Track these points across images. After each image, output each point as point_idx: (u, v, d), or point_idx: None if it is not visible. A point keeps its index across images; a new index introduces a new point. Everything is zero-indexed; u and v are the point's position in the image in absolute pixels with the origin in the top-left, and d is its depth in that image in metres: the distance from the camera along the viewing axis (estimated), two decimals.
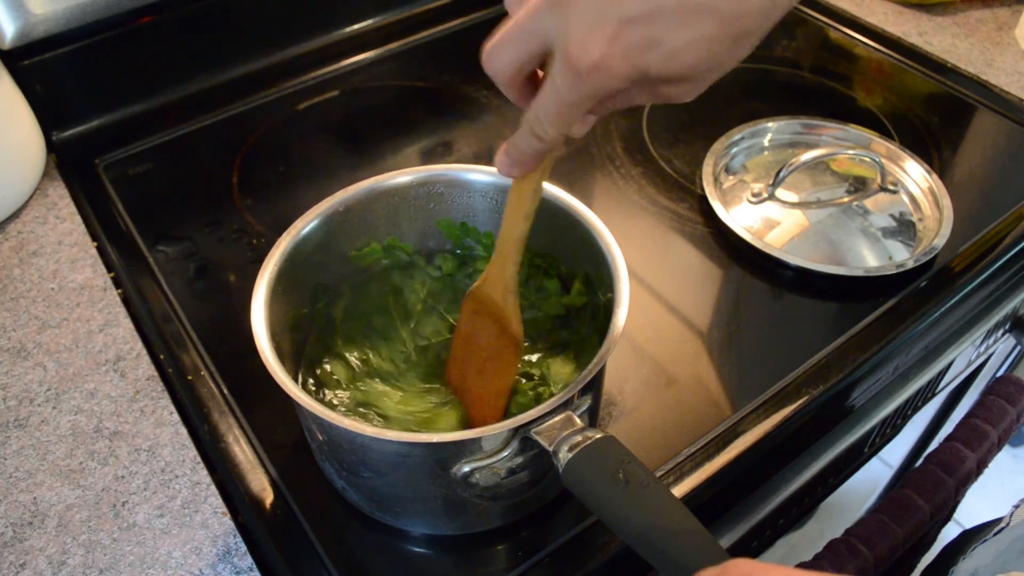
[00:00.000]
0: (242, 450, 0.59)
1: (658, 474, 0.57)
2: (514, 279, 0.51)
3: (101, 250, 0.74)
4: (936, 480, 0.67)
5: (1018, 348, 0.96)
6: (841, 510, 0.99)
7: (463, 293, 0.64)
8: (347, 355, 0.59)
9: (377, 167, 0.82)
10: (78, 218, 0.77)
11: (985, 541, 0.59)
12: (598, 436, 0.44)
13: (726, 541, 0.63)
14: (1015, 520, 0.59)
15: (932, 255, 0.70)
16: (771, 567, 0.36)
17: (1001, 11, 1.04)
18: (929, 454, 0.71)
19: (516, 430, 0.45)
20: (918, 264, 0.69)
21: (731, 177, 0.80)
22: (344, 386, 0.58)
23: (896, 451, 1.13)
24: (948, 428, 0.93)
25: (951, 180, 0.79)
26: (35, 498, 0.57)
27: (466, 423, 0.56)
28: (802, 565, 0.62)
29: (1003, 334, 0.87)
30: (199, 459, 0.59)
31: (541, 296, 0.61)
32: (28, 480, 0.58)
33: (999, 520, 0.65)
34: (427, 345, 0.61)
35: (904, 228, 0.74)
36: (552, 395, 0.52)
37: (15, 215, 0.77)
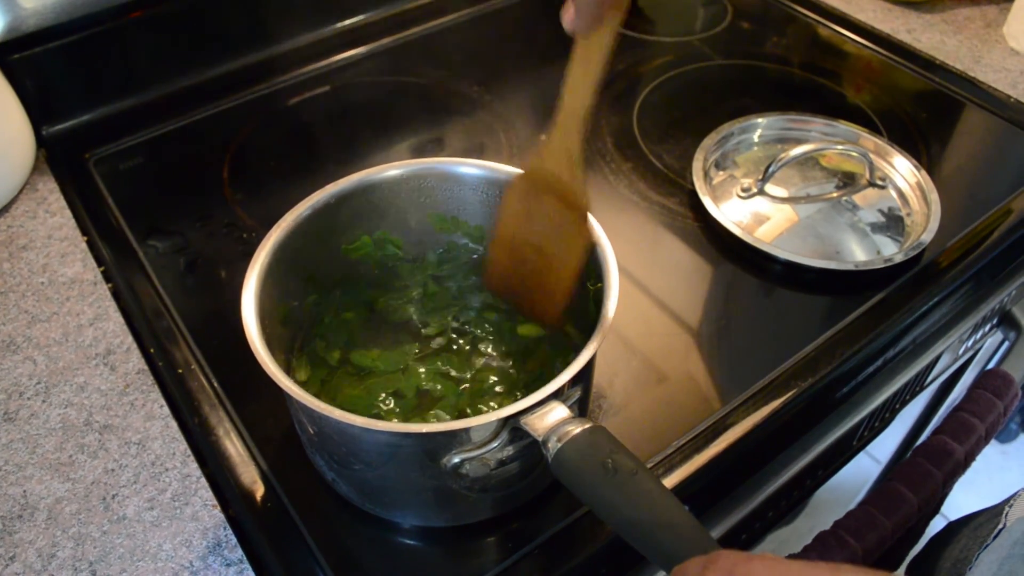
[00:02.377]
0: (232, 443, 0.59)
1: (647, 466, 0.58)
2: (580, 150, 0.49)
3: (91, 244, 0.74)
4: (924, 472, 0.68)
5: (1006, 342, 0.96)
6: (830, 506, 1.00)
7: (452, 291, 0.64)
8: (333, 349, 0.59)
9: (368, 162, 0.81)
10: (68, 212, 0.77)
11: (987, 547, 0.59)
12: (587, 426, 0.44)
13: (715, 534, 0.64)
14: (1011, 519, 0.59)
15: (920, 250, 0.71)
16: (756, 557, 0.36)
17: (989, 8, 1.04)
18: (917, 447, 0.71)
19: (506, 420, 0.45)
20: (906, 258, 0.70)
21: (721, 172, 0.80)
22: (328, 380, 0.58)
23: (885, 447, 1.13)
24: (937, 423, 0.94)
25: (939, 175, 0.80)
26: (25, 491, 0.57)
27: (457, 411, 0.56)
28: (790, 558, 0.62)
29: (991, 328, 0.88)
30: (189, 452, 0.59)
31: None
32: (18, 473, 0.58)
33: (988, 513, 0.65)
34: (413, 340, 0.61)
35: (892, 223, 0.75)
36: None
37: (4, 209, 0.77)
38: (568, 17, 0.44)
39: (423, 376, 0.59)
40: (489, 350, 0.60)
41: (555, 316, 0.56)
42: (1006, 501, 0.63)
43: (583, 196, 0.52)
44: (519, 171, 0.53)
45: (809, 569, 0.35)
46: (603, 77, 0.47)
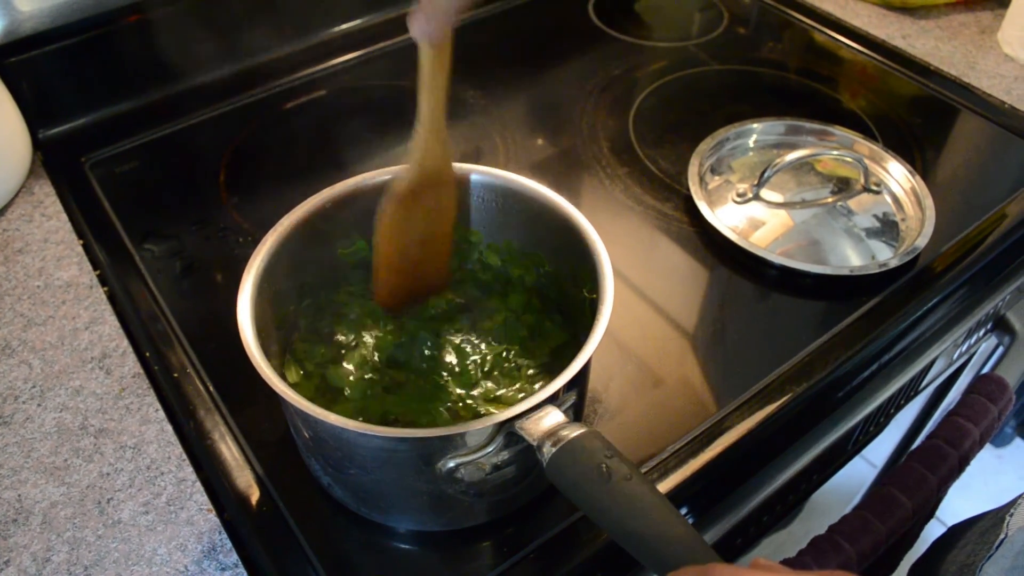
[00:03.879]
0: (228, 447, 0.59)
1: (642, 471, 0.58)
2: (447, 135, 0.53)
3: (87, 248, 0.74)
4: (918, 477, 0.68)
5: (1000, 347, 0.97)
6: (826, 510, 1.00)
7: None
8: (313, 356, 0.59)
9: (364, 167, 0.81)
10: (64, 216, 0.77)
11: (990, 558, 0.59)
12: (582, 431, 0.44)
13: (710, 538, 0.64)
14: (1012, 529, 0.59)
15: (914, 255, 0.71)
16: (750, 573, 0.36)
17: (983, 15, 1.05)
18: (911, 452, 0.71)
19: (501, 425, 0.45)
20: (901, 263, 0.70)
21: (716, 177, 0.80)
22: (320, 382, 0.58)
23: (880, 450, 1.14)
24: (932, 428, 0.94)
25: (933, 181, 0.80)
26: (20, 495, 0.57)
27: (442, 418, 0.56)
28: (786, 562, 0.62)
29: (985, 333, 0.88)
30: (184, 456, 0.59)
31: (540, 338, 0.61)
32: (12, 477, 0.58)
33: (991, 517, 0.65)
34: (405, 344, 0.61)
35: (887, 228, 0.75)
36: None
37: (0, 213, 0.77)
38: (418, 25, 0.45)
39: (390, 405, 0.57)
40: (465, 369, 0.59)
41: (446, 281, 0.62)
42: (1007, 507, 0.63)
43: (451, 172, 0.56)
44: (396, 189, 0.55)
45: None
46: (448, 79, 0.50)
